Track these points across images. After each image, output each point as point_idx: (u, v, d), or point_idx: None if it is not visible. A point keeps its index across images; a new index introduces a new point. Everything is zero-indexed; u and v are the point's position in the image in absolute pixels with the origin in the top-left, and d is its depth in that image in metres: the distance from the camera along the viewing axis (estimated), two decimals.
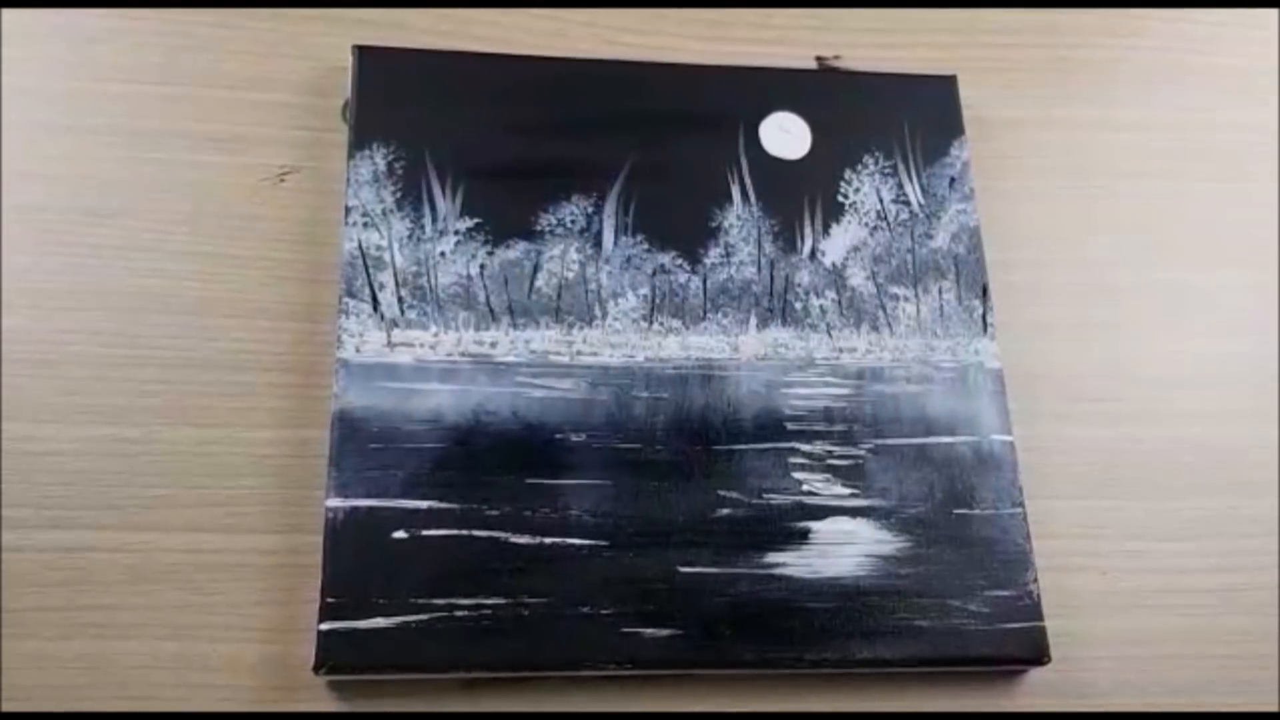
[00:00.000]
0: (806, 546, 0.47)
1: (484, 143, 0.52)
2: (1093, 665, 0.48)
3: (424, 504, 0.45)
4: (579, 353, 0.49)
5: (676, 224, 0.52)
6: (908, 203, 0.54)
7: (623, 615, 0.44)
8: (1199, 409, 0.53)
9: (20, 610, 0.44)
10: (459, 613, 0.44)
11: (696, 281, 0.51)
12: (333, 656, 0.43)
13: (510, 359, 0.48)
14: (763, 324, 0.51)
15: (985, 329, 0.52)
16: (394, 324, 0.48)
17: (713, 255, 0.51)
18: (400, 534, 0.45)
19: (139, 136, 0.52)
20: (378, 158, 0.51)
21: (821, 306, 0.51)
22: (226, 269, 0.50)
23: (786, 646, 0.45)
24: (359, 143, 0.51)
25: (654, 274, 0.51)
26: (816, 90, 0.56)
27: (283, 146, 0.53)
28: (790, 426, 0.49)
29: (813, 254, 0.52)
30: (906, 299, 0.52)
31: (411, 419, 0.46)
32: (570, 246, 0.51)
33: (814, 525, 0.47)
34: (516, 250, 0.50)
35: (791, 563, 0.46)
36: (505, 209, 0.51)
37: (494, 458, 0.46)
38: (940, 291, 0.52)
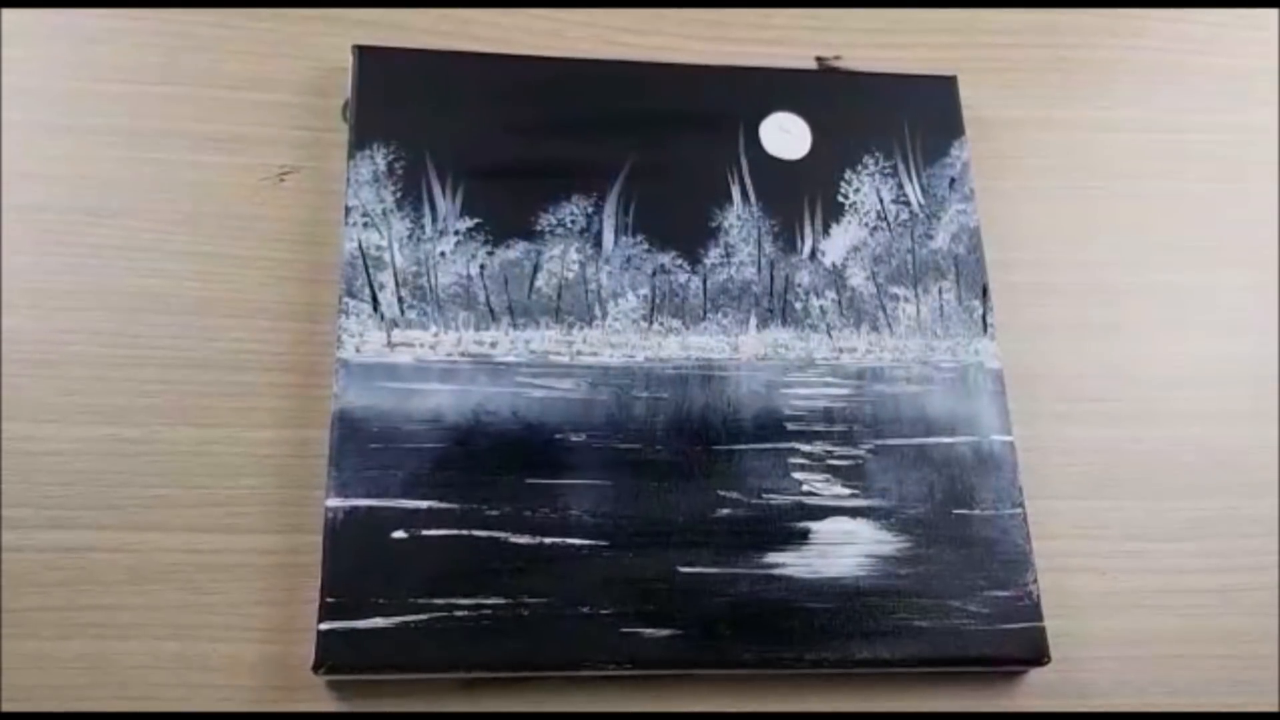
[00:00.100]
0: (806, 547, 0.47)
1: (484, 143, 0.52)
2: (1092, 665, 0.48)
3: (424, 504, 0.45)
4: (579, 353, 0.49)
5: (676, 224, 0.52)
6: (908, 203, 0.54)
7: (623, 615, 0.44)
8: (1199, 409, 0.53)
9: (20, 610, 0.44)
10: (459, 613, 0.44)
11: (696, 282, 0.51)
12: (332, 656, 0.43)
13: (510, 359, 0.48)
14: (763, 324, 0.51)
15: (985, 329, 0.52)
16: (394, 324, 0.48)
17: (713, 255, 0.51)
18: (400, 534, 0.45)
19: (139, 136, 0.52)
20: (378, 158, 0.51)
21: (821, 307, 0.51)
22: (226, 269, 0.50)
23: (786, 646, 0.45)
24: (359, 143, 0.51)
25: (654, 274, 0.51)
26: (816, 90, 0.56)
27: (283, 146, 0.53)
28: (790, 427, 0.49)
29: (813, 254, 0.52)
30: (906, 299, 0.52)
31: (411, 419, 0.46)
32: (570, 246, 0.51)
33: (814, 525, 0.47)
34: (516, 250, 0.50)
35: (791, 563, 0.46)
36: (505, 209, 0.51)
37: (494, 458, 0.46)
38: (940, 292, 0.52)
